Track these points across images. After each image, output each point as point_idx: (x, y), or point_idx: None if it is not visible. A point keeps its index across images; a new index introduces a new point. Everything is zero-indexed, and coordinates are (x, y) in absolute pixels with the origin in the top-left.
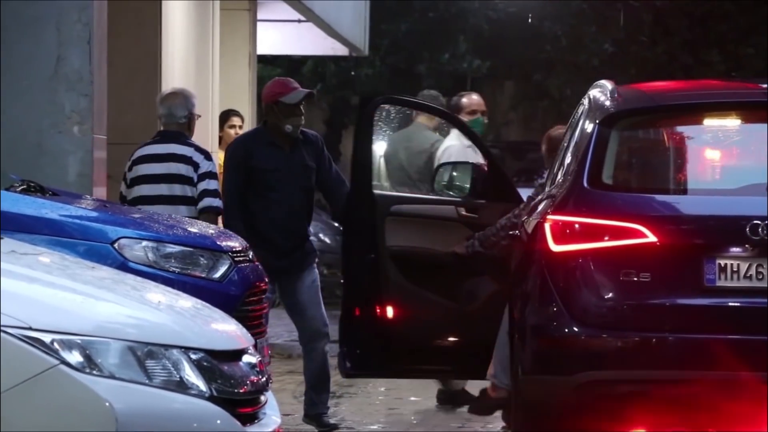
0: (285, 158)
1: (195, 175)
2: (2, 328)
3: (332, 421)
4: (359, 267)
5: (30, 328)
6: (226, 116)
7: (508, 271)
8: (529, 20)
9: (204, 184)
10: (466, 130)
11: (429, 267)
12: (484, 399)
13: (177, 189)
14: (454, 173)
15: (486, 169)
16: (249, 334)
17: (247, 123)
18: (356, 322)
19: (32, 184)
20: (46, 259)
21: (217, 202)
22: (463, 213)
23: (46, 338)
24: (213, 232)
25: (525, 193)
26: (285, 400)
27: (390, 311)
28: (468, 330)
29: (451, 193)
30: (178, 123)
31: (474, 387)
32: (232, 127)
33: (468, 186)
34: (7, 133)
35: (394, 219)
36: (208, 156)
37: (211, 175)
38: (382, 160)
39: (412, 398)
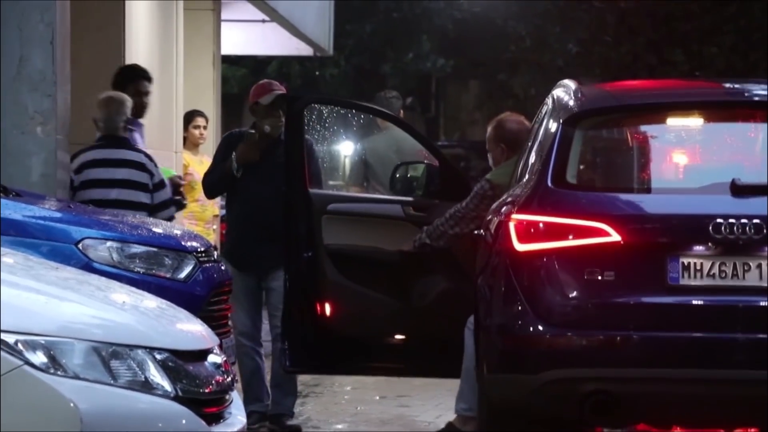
0: (261, 157)
1: (150, 182)
2: None
3: (293, 423)
4: (297, 264)
5: None
6: (190, 116)
7: (458, 269)
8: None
9: (162, 194)
10: (407, 128)
11: (371, 265)
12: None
13: (127, 194)
14: (411, 173)
15: (438, 168)
16: (214, 334)
17: (211, 123)
18: (296, 319)
19: None
20: (9, 259)
21: (173, 211)
22: (411, 212)
23: (10, 339)
24: (178, 232)
25: None
26: None
27: (328, 308)
28: (416, 327)
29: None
30: (119, 128)
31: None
32: (197, 127)
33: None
34: None
35: (332, 217)
36: (156, 164)
37: (163, 183)
38: (347, 161)
39: (378, 397)
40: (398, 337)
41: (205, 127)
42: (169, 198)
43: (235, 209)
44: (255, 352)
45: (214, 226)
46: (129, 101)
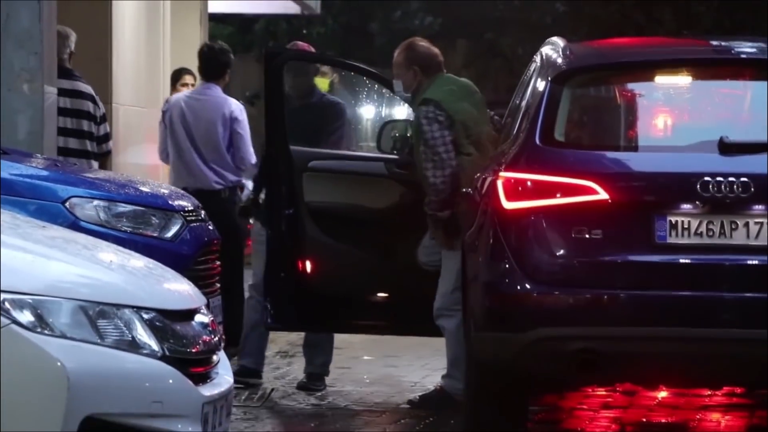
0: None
1: (99, 114)
2: None
3: (320, 386)
4: (279, 222)
5: None
6: (178, 75)
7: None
8: None
9: (104, 127)
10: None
11: (355, 223)
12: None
13: (72, 123)
14: (396, 133)
15: None
16: (201, 294)
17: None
18: (278, 276)
19: None
20: None
21: (111, 145)
22: (394, 170)
23: None
24: (165, 191)
25: None
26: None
27: (309, 266)
28: (399, 285)
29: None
30: (64, 60)
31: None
32: (185, 85)
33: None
34: None
35: (313, 175)
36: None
37: (105, 117)
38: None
39: (366, 357)
40: (381, 294)
41: (192, 85)
42: (107, 132)
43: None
44: (262, 307)
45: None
46: (73, 35)
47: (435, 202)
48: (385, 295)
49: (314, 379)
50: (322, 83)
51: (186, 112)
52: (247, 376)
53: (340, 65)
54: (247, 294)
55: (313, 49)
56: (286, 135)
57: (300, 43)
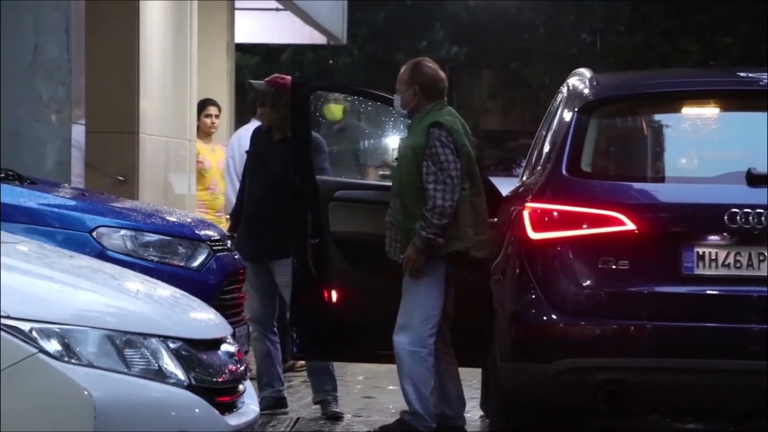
0: (268, 146)
1: None
2: None
3: (337, 409)
4: (305, 251)
5: (8, 317)
6: (202, 105)
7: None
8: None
9: None
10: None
11: (377, 252)
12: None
13: None
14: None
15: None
16: (227, 323)
17: (225, 112)
18: (303, 305)
19: (10, 173)
20: (24, 247)
21: None
22: None
23: (25, 327)
24: (191, 221)
25: (502, 182)
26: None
27: (334, 295)
28: None
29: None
30: None
31: None
32: (208, 116)
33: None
34: None
35: (339, 204)
36: None
37: None
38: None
39: (391, 387)
40: None
41: (217, 116)
42: None
43: (245, 201)
44: (266, 338)
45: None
46: None
47: (437, 226)
48: None
49: (328, 404)
50: (335, 110)
51: None
52: (273, 407)
53: (364, 95)
54: (249, 328)
55: (286, 82)
56: (312, 164)
57: (279, 75)
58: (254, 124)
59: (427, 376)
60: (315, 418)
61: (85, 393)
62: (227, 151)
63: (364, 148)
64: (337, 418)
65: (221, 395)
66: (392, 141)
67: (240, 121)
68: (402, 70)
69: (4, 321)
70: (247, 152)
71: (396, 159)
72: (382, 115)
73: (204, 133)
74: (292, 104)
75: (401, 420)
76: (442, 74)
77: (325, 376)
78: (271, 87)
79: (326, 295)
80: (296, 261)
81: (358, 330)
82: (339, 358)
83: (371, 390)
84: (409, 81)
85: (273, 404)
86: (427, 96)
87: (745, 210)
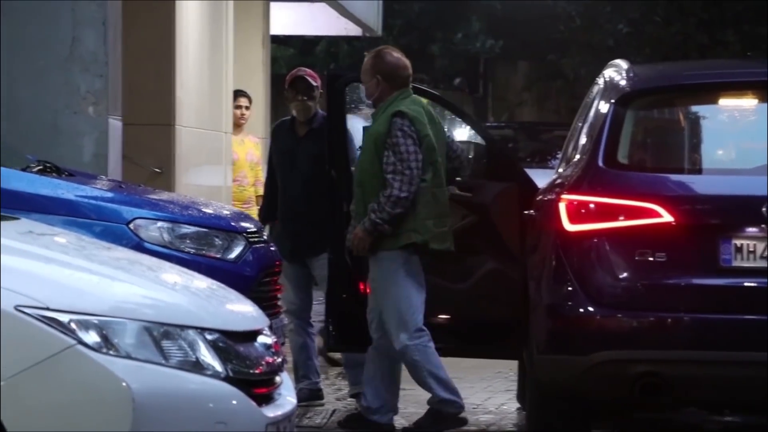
0: (295, 144)
1: None
2: (20, 309)
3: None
4: (342, 244)
5: (47, 309)
6: (233, 96)
7: (504, 249)
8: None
9: None
10: (453, 108)
11: None
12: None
13: None
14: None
15: (485, 148)
16: (264, 315)
17: (260, 103)
18: (340, 298)
19: (48, 165)
20: (62, 239)
21: None
22: (456, 192)
23: (64, 318)
24: (228, 213)
25: (537, 173)
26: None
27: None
28: (460, 307)
29: (466, 173)
30: None
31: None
32: (238, 107)
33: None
34: (23, 114)
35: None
36: None
37: None
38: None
39: None
40: (442, 316)
41: (247, 107)
42: None
43: (279, 200)
44: (303, 330)
45: (257, 207)
46: None
47: (388, 213)
48: (447, 316)
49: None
50: None
51: None
52: (309, 399)
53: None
54: (286, 320)
55: (309, 74)
56: (348, 156)
57: (304, 69)
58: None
59: (435, 360)
60: (351, 411)
61: (123, 384)
62: None
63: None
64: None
65: (258, 387)
66: (455, 134)
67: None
68: (365, 59)
69: (43, 312)
70: (273, 152)
71: (359, 148)
72: (439, 109)
73: (233, 124)
74: (328, 96)
75: (431, 410)
76: (406, 62)
77: (361, 368)
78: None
79: (362, 287)
80: (332, 254)
81: None
82: None
83: (406, 381)
84: (372, 70)
85: (309, 396)
86: (391, 85)
87: None
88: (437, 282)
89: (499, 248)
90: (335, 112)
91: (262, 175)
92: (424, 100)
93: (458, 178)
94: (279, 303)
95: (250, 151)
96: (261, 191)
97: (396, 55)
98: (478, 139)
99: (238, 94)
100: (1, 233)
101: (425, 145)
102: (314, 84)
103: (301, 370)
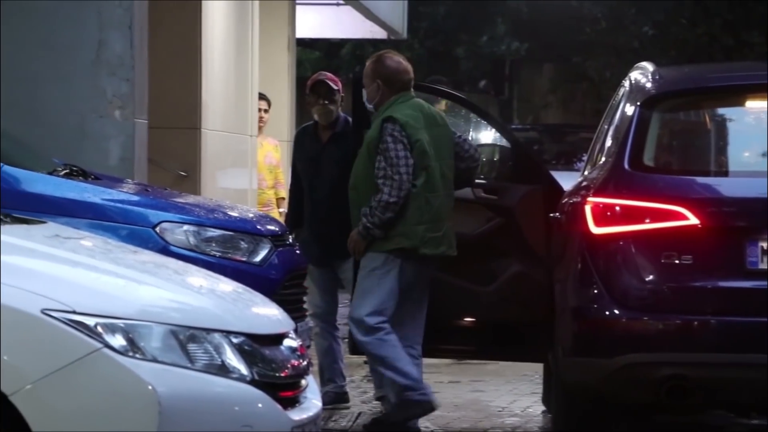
0: (319, 149)
1: None
2: (47, 312)
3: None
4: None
5: (74, 312)
6: None
7: (530, 251)
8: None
9: None
10: (477, 111)
11: None
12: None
13: None
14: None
15: (510, 150)
16: (289, 318)
17: (285, 106)
18: None
19: (75, 168)
20: (88, 243)
21: None
22: (482, 194)
23: (90, 322)
24: (253, 216)
25: (562, 176)
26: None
27: None
28: (486, 310)
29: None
30: None
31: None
32: (257, 110)
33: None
34: (49, 117)
35: None
36: None
37: None
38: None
39: (451, 381)
40: (468, 319)
41: (266, 110)
42: None
43: (305, 205)
44: (328, 334)
45: (281, 209)
46: None
47: (379, 218)
48: (475, 319)
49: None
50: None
51: None
52: (334, 402)
53: (428, 90)
54: (311, 323)
55: (330, 77)
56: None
57: (325, 73)
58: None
59: (393, 352)
60: (376, 413)
61: (149, 388)
62: None
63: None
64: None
65: (284, 390)
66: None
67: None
68: (366, 64)
69: (69, 316)
70: (297, 159)
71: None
72: (464, 111)
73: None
74: (354, 99)
75: (398, 400)
76: (406, 66)
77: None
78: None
79: None
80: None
81: (428, 326)
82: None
83: (433, 385)
84: (372, 75)
85: (335, 399)
86: (390, 89)
87: None
88: (463, 284)
89: (524, 251)
90: (361, 114)
91: (283, 178)
92: (426, 104)
93: (483, 180)
94: (304, 306)
95: (269, 153)
96: (282, 194)
97: (396, 59)
98: (503, 142)
99: (258, 97)
100: (26, 236)
101: (416, 149)
102: (335, 88)
103: (326, 373)
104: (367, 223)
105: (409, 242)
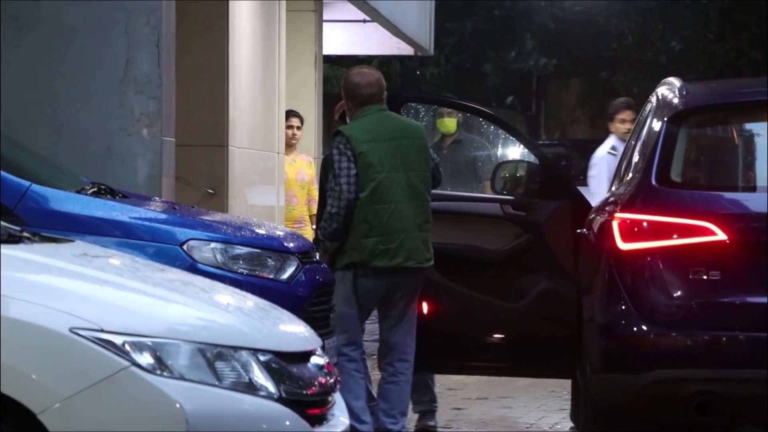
0: None
1: None
2: (75, 331)
3: (431, 423)
4: None
5: (102, 330)
6: (285, 116)
7: (558, 268)
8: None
9: None
10: (507, 127)
11: (473, 264)
12: None
13: None
14: (508, 173)
15: (538, 166)
16: (317, 336)
17: (312, 122)
18: None
19: (102, 187)
20: (116, 261)
21: None
22: (510, 211)
23: (118, 340)
24: (281, 233)
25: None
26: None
27: (431, 308)
28: (515, 327)
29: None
30: None
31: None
32: (290, 127)
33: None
34: (77, 136)
35: (435, 216)
36: None
37: None
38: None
39: (479, 398)
40: (499, 335)
41: (299, 128)
42: None
43: None
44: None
45: (314, 226)
46: None
47: (326, 230)
48: (504, 335)
49: (423, 415)
50: (449, 123)
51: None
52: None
53: (457, 106)
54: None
55: None
56: None
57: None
58: (612, 140)
59: (349, 383)
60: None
61: (177, 406)
62: (593, 170)
63: (478, 160)
64: (428, 428)
65: (311, 407)
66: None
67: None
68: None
69: (97, 335)
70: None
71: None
72: (497, 129)
73: (285, 144)
74: None
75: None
76: (371, 80)
77: (422, 388)
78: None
79: (419, 307)
80: None
81: (451, 342)
82: (435, 371)
83: (461, 401)
84: (342, 94)
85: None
86: (354, 104)
87: None
88: (493, 301)
89: (553, 267)
90: None
91: (316, 194)
92: (396, 116)
93: (511, 197)
94: (331, 323)
95: (302, 170)
96: (315, 210)
97: (362, 74)
98: (531, 158)
99: (289, 114)
100: (54, 255)
101: (360, 162)
102: None
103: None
104: (319, 235)
105: (359, 256)
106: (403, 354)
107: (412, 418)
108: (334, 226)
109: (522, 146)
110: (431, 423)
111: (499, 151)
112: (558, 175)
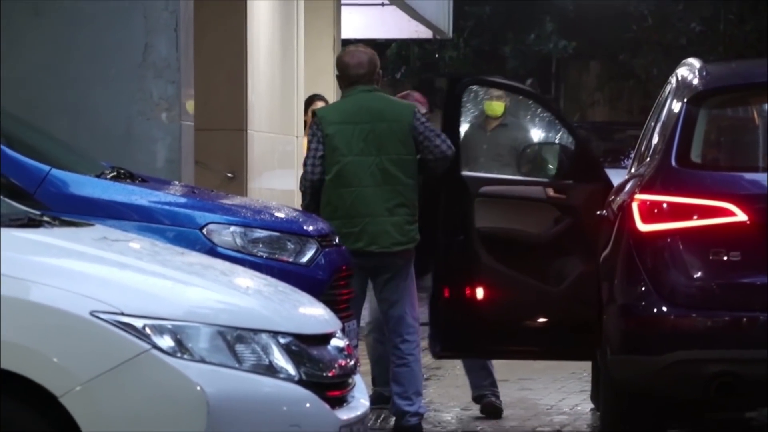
0: None
1: None
2: (95, 314)
3: (497, 402)
4: (448, 248)
5: (122, 314)
6: (310, 101)
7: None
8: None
9: None
10: (551, 109)
11: (518, 247)
12: None
13: None
14: (541, 154)
15: (573, 149)
16: (336, 318)
17: None
18: (445, 304)
19: (122, 171)
20: (136, 245)
21: None
22: (552, 194)
23: (138, 323)
24: (300, 216)
25: (609, 173)
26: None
27: (480, 292)
28: (556, 310)
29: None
30: None
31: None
32: (304, 112)
33: (552, 167)
34: (96, 120)
35: (483, 200)
36: None
37: None
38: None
39: (500, 380)
40: (541, 320)
41: None
42: None
43: None
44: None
45: None
46: None
47: (302, 207)
48: (545, 320)
49: (487, 398)
50: (497, 107)
51: None
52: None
53: (513, 90)
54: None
55: (424, 100)
56: (459, 161)
57: (415, 94)
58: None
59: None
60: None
61: (198, 388)
62: None
63: (524, 144)
64: (496, 411)
65: (331, 390)
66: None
67: None
68: None
69: (118, 318)
70: None
71: None
72: (543, 113)
73: (310, 127)
74: (447, 100)
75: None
76: (359, 59)
77: (482, 371)
78: None
79: (470, 292)
80: (436, 259)
81: (502, 327)
82: (483, 356)
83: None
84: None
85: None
86: (342, 84)
87: None
88: (538, 285)
89: (589, 250)
90: (452, 117)
91: None
92: (378, 97)
93: (550, 180)
94: (350, 306)
95: None
96: None
97: (352, 54)
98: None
99: (315, 98)
100: (74, 239)
101: (327, 144)
102: (422, 111)
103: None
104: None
105: None
106: (406, 334)
107: (465, 405)
108: (305, 204)
109: (562, 128)
110: (497, 402)
111: (547, 135)
112: (593, 158)
